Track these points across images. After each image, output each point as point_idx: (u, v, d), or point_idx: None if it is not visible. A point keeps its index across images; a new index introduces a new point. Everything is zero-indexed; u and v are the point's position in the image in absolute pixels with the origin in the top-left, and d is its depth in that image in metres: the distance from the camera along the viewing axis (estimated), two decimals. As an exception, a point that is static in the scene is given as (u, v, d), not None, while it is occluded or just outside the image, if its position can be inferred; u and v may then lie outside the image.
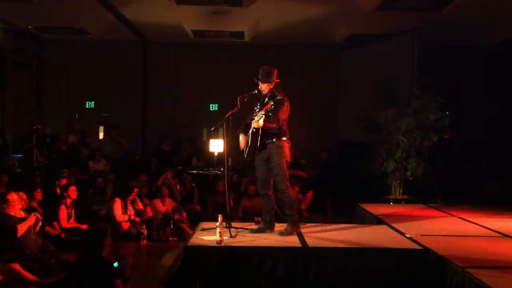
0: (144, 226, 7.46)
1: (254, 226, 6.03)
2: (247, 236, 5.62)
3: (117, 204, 7.57)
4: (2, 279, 4.90)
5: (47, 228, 6.69)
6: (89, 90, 12.64)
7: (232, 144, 5.98)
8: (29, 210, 5.96)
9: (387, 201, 8.87)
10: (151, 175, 9.68)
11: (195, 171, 10.04)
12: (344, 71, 12.13)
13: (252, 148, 5.65)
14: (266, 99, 5.62)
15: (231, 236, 5.47)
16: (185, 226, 7.68)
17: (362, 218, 7.87)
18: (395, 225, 6.38)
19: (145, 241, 7.29)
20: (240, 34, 11.10)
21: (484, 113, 10.94)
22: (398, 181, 9.06)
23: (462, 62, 10.86)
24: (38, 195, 6.71)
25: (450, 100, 9.02)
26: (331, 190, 9.56)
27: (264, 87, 5.63)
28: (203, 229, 5.84)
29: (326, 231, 6.06)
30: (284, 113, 5.56)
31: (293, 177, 9.27)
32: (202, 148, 11.36)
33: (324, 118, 12.28)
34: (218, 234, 5.12)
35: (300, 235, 5.63)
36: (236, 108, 5.63)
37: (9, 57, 12.25)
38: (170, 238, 7.50)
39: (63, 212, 7.05)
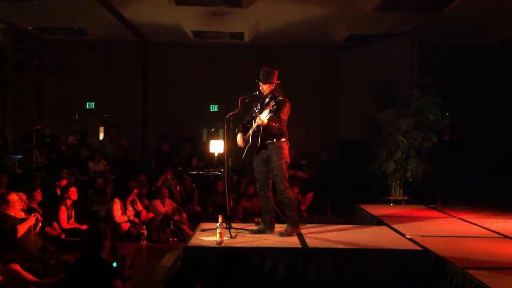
0: (144, 227, 7.46)
1: (254, 227, 6.03)
2: (247, 237, 5.63)
3: (116, 205, 7.57)
4: (2, 280, 4.90)
5: (47, 229, 6.69)
6: (89, 91, 12.64)
7: (232, 145, 5.97)
8: (29, 210, 5.97)
9: (387, 202, 8.87)
10: (151, 175, 9.68)
11: (195, 172, 10.03)
12: (344, 71, 12.13)
13: (252, 148, 5.65)
14: (267, 100, 5.62)
15: (231, 237, 5.47)
16: (185, 226, 7.69)
17: (362, 218, 7.86)
18: (395, 226, 6.38)
19: (145, 241, 7.30)
20: (240, 35, 11.09)
21: (484, 113, 10.94)
22: (398, 182, 9.06)
23: (462, 62, 10.86)
24: (38, 195, 6.71)
25: (450, 100, 9.01)
26: (331, 191, 9.56)
27: (265, 88, 5.64)
28: (203, 230, 5.85)
29: (326, 231, 6.05)
30: (285, 114, 5.57)
31: (293, 177, 9.28)
32: (202, 148, 11.35)
33: (324, 118, 12.28)
34: (218, 235, 5.12)
35: (300, 236, 5.63)
36: (237, 109, 5.64)
37: (9, 57, 12.25)
38: (170, 239, 7.50)
39: (63, 213, 7.06)
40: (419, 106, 8.87)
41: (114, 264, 4.47)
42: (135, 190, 7.82)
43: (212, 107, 12.61)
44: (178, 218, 7.84)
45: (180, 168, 10.32)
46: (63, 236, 6.83)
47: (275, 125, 5.46)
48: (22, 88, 12.59)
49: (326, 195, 9.50)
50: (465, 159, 10.23)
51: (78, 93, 12.64)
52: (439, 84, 9.40)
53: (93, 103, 12.76)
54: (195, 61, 12.30)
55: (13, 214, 5.59)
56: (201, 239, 5.42)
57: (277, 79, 5.65)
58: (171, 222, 7.68)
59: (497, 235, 6.10)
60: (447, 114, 8.88)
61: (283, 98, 5.58)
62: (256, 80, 5.66)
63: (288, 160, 5.69)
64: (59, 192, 7.56)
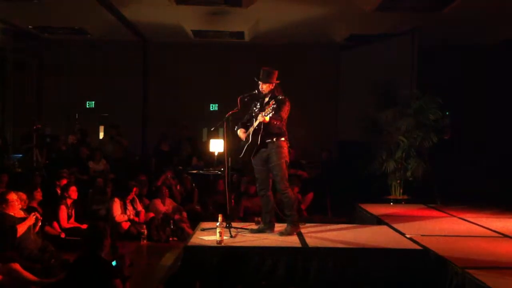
0: (144, 226, 7.46)
1: (254, 226, 6.03)
2: (247, 236, 5.62)
3: (116, 204, 7.57)
4: (2, 279, 4.89)
5: (47, 228, 6.69)
6: (89, 90, 12.65)
7: (232, 144, 5.98)
8: (29, 210, 5.96)
9: (387, 201, 8.87)
10: (151, 175, 9.68)
11: (195, 171, 10.03)
12: (344, 71, 12.13)
13: (251, 146, 5.64)
14: (266, 99, 5.63)
15: (231, 236, 5.47)
16: (185, 226, 7.69)
17: (362, 218, 7.86)
18: (395, 225, 6.39)
19: (145, 241, 7.30)
20: (240, 34, 11.10)
21: (484, 113, 10.94)
22: (398, 181, 9.06)
23: (462, 62, 10.86)
24: (38, 195, 6.71)
25: (450, 100, 9.02)
26: (331, 190, 9.56)
27: (264, 88, 5.64)
28: (203, 229, 5.85)
29: (326, 231, 6.05)
30: (285, 113, 5.58)
31: (293, 176, 9.28)
32: (202, 148, 11.36)
33: (324, 118, 12.28)
34: (218, 234, 5.12)
35: (300, 235, 5.63)
36: (236, 108, 5.64)
37: (9, 57, 12.24)
38: (170, 238, 7.50)
39: (63, 212, 7.05)
40: (419, 105, 8.87)
41: (114, 263, 4.47)
42: (135, 189, 7.82)
43: (212, 106, 12.62)
44: (178, 217, 7.84)
45: (180, 168, 10.33)
46: (63, 236, 6.83)
47: (276, 123, 5.47)
48: (22, 88, 12.60)
49: (326, 194, 9.49)
50: (465, 158, 10.23)
51: (78, 92, 12.64)
52: (439, 84, 9.40)
53: (93, 102, 12.77)
54: (195, 61, 12.30)
55: (12, 214, 5.58)
56: (201, 239, 5.42)
57: (277, 79, 5.66)
58: (171, 221, 7.68)
59: (497, 235, 6.10)
60: (447, 113, 8.88)
61: (283, 97, 5.60)
62: (256, 79, 5.66)
63: (288, 159, 5.70)
64: (59, 191, 7.56)
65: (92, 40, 11.89)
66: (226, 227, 5.51)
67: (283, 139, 5.65)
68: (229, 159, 5.92)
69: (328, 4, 9.15)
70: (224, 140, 6.16)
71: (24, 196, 5.97)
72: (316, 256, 5.01)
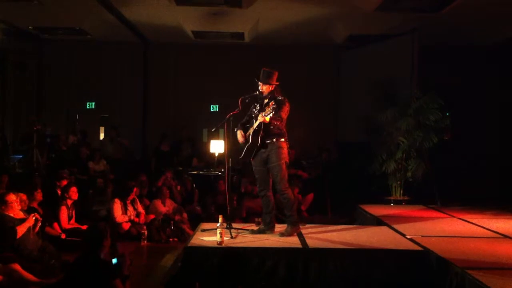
0: (145, 227, 7.46)
1: (254, 227, 6.03)
2: (247, 237, 5.63)
3: (117, 205, 7.56)
4: (2, 280, 4.90)
5: (48, 229, 6.68)
6: (89, 91, 12.65)
7: (232, 144, 5.98)
8: (29, 210, 5.96)
9: (387, 202, 8.88)
10: (151, 175, 9.68)
11: (195, 172, 10.04)
12: (344, 71, 12.12)
13: (251, 147, 5.64)
14: (266, 100, 5.63)
15: (231, 237, 5.47)
16: (186, 226, 7.69)
17: (363, 219, 7.87)
18: (395, 226, 6.39)
19: (145, 241, 7.30)
20: (240, 35, 11.10)
21: (484, 113, 10.94)
22: (398, 182, 9.06)
23: (462, 62, 10.86)
24: (39, 195, 6.70)
25: (450, 101, 9.02)
26: (331, 191, 9.56)
27: (264, 89, 5.65)
28: (204, 230, 5.85)
29: (326, 232, 6.06)
30: (285, 113, 5.59)
31: (294, 177, 9.30)
32: (203, 149, 11.36)
33: (324, 118, 12.28)
34: (218, 235, 5.13)
35: (300, 236, 5.63)
36: (237, 109, 5.64)
37: (9, 57, 12.26)
38: (171, 239, 7.50)
39: (63, 213, 7.06)
40: (419, 106, 8.87)
41: (114, 261, 4.46)
42: (135, 189, 7.82)
43: (212, 107, 12.61)
44: (179, 218, 7.85)
45: (181, 168, 10.33)
46: (63, 236, 6.83)
47: (276, 123, 5.48)
48: (22, 88, 12.59)
49: (326, 195, 9.50)
50: (465, 159, 10.23)
51: (79, 93, 12.64)
52: (439, 84, 9.41)
53: (93, 103, 12.76)
54: (195, 62, 12.30)
55: (12, 215, 5.59)
56: (202, 239, 5.42)
57: (277, 80, 5.66)
58: (172, 222, 7.68)
59: (497, 235, 6.11)
60: (447, 114, 8.88)
61: (283, 98, 5.61)
62: (256, 80, 5.66)
63: (287, 160, 5.70)
64: (59, 192, 7.56)
65: (92, 40, 11.88)
66: (226, 227, 5.51)
67: (283, 139, 5.66)
68: (230, 160, 5.92)
69: (328, 5, 9.15)
70: (224, 141, 6.16)
71: (24, 197, 5.97)
72: (317, 257, 5.01)
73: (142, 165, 10.88)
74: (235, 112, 5.71)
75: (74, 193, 7.18)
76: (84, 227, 7.01)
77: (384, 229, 6.42)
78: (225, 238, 5.19)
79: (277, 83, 5.66)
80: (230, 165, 5.94)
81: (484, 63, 11.02)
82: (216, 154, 9.48)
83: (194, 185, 9.57)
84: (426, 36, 9.80)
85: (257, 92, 5.71)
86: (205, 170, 10.01)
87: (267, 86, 5.63)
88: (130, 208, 7.71)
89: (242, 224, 6.47)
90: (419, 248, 5.20)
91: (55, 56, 12.48)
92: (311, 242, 5.36)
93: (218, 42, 11.70)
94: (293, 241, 5.41)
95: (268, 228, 5.80)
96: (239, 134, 5.81)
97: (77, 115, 12.74)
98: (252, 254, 5.00)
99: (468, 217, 7.33)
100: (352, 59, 11.84)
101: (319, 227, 6.34)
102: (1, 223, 5.45)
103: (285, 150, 5.67)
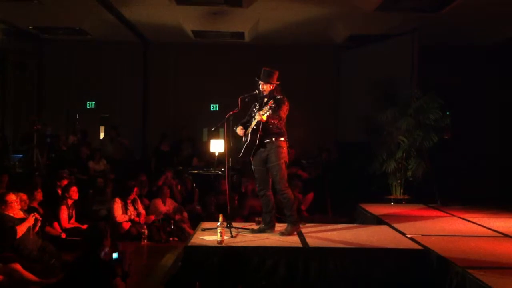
0: (145, 226, 7.46)
1: (255, 226, 6.03)
2: (247, 236, 5.62)
3: (117, 205, 7.56)
4: (3, 279, 4.89)
5: (48, 229, 6.68)
6: (89, 91, 12.65)
7: (232, 144, 5.98)
8: (29, 210, 5.97)
9: (387, 201, 8.87)
10: (151, 175, 9.68)
11: (195, 171, 10.05)
12: (344, 71, 12.13)
13: (250, 146, 5.63)
14: (266, 99, 5.63)
15: (231, 236, 5.47)
16: (186, 226, 7.69)
17: (363, 218, 7.87)
18: (395, 225, 6.39)
19: (145, 241, 7.30)
20: (240, 35, 11.10)
21: (484, 113, 10.94)
22: (398, 181, 9.06)
23: (462, 62, 10.86)
24: (39, 195, 6.71)
25: (450, 101, 9.03)
26: (331, 190, 9.56)
27: (265, 88, 5.65)
28: (204, 229, 5.85)
29: (326, 231, 6.06)
30: (284, 112, 5.59)
31: (294, 176, 9.30)
32: (203, 148, 11.37)
33: (324, 118, 12.28)
34: (219, 234, 5.13)
35: (300, 235, 5.63)
36: (237, 108, 5.64)
37: (9, 57, 12.26)
38: (171, 238, 7.50)
39: (64, 213, 7.06)
40: (420, 105, 8.87)
41: (115, 255, 4.46)
42: (136, 189, 7.81)
43: (212, 106, 12.62)
44: (179, 217, 7.84)
45: (181, 168, 10.34)
46: (63, 236, 6.83)
47: (274, 122, 5.47)
48: (22, 88, 12.60)
49: (326, 194, 9.50)
50: (465, 159, 10.23)
51: (79, 93, 12.65)
52: (439, 84, 9.41)
53: (94, 102, 12.77)
54: (195, 61, 12.30)
55: (12, 214, 5.59)
56: (202, 239, 5.42)
57: (278, 80, 5.66)
58: (172, 221, 7.68)
59: (497, 234, 6.10)
60: (447, 113, 8.88)
61: (282, 97, 5.61)
62: (257, 79, 5.66)
63: (287, 159, 5.70)
64: (60, 191, 7.56)
65: (92, 40, 11.88)
66: (226, 227, 5.51)
67: (282, 139, 5.65)
68: (230, 159, 5.92)
69: (328, 4, 9.15)
70: (224, 140, 6.15)
71: (24, 197, 5.98)
72: (317, 256, 5.01)
73: (142, 165, 10.88)
74: (234, 112, 5.71)
75: (74, 192, 7.19)
76: (84, 226, 7.02)
77: (384, 228, 6.42)
78: (225, 238, 5.19)
79: (278, 82, 5.66)
80: (230, 165, 5.94)
81: (484, 63, 11.02)
82: (216, 154, 9.48)
83: (194, 185, 9.57)
84: (426, 36, 9.80)
85: (257, 92, 5.71)
86: (205, 169, 10.02)
87: (268, 85, 5.63)
88: (130, 207, 7.71)
89: (243, 224, 6.47)
90: (419, 247, 5.20)
91: (55, 56, 12.48)
92: (311, 241, 5.36)
93: (218, 41, 11.71)
94: (293, 240, 5.41)
95: (268, 228, 5.80)
96: (239, 129, 5.79)
97: (77, 115, 12.74)
98: (252, 253, 5.00)
99: (468, 216, 7.33)
100: (352, 59, 11.85)
101: (319, 226, 6.34)
102: (1, 222, 5.45)
103: (285, 150, 5.66)
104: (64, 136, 11.51)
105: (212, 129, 6.83)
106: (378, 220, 7.03)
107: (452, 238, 5.84)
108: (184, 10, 9.47)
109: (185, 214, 8.06)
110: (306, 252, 5.07)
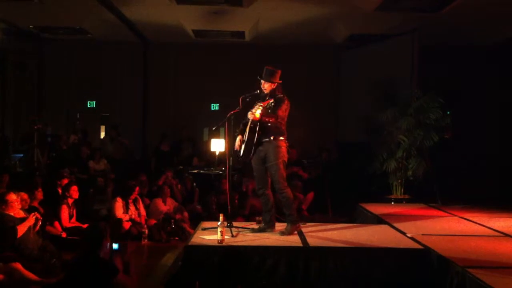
0: (145, 226, 7.47)
1: (255, 226, 6.03)
2: (248, 236, 5.62)
3: (118, 204, 7.57)
4: (3, 279, 4.89)
5: (48, 228, 6.69)
6: (89, 90, 12.66)
7: (233, 144, 5.98)
8: (30, 210, 5.97)
9: (388, 201, 8.87)
10: (151, 175, 9.69)
11: (195, 171, 10.05)
12: (344, 71, 12.13)
13: (248, 144, 5.62)
14: (267, 98, 5.62)
15: (232, 236, 5.47)
16: (186, 225, 7.69)
17: (363, 217, 7.87)
18: (396, 225, 6.39)
19: (146, 240, 7.30)
20: (241, 34, 11.11)
21: (484, 113, 10.95)
22: (399, 180, 9.06)
23: (462, 62, 10.87)
24: (39, 194, 6.71)
25: (450, 101, 9.03)
26: (331, 191, 9.57)
27: (266, 87, 5.65)
28: (204, 229, 5.85)
29: (327, 230, 6.05)
30: (283, 111, 5.56)
31: (294, 176, 9.31)
32: (203, 148, 11.37)
33: (324, 118, 12.29)
34: (219, 234, 5.13)
35: (301, 235, 5.63)
36: (238, 108, 5.63)
37: (9, 57, 12.27)
38: (171, 238, 7.50)
39: (64, 212, 7.06)
40: (420, 105, 8.87)
41: (116, 246, 4.46)
42: (137, 188, 7.81)
43: (213, 106, 12.62)
44: (180, 217, 7.85)
45: (181, 167, 10.34)
46: (64, 235, 6.83)
47: (269, 120, 5.46)
48: (22, 87, 12.60)
49: (327, 194, 9.51)
50: (465, 158, 10.24)
51: (79, 92, 12.66)
52: (439, 84, 9.42)
53: (94, 102, 12.77)
54: (195, 61, 12.30)
55: (12, 214, 5.59)
56: (202, 238, 5.42)
57: (280, 80, 5.66)
58: (172, 221, 7.68)
59: (498, 234, 6.10)
60: (448, 112, 8.88)
61: (282, 96, 5.60)
62: (259, 77, 5.67)
63: (286, 159, 5.69)
64: (60, 191, 7.57)
65: (92, 40, 11.89)
66: (227, 226, 5.51)
67: (282, 138, 5.64)
68: (230, 158, 5.92)
69: (329, 4, 9.16)
70: (225, 140, 6.16)
71: (25, 196, 5.98)
72: (317, 255, 5.01)
73: (142, 165, 10.88)
74: (235, 111, 5.70)
75: (74, 192, 7.19)
76: (85, 226, 7.02)
77: (385, 227, 6.42)
78: (225, 237, 5.19)
79: (280, 81, 5.65)
80: (231, 164, 5.94)
81: (484, 63, 11.03)
82: (217, 153, 9.49)
83: (195, 184, 9.58)
84: (426, 36, 9.80)
85: (258, 91, 5.71)
86: (205, 169, 10.02)
87: (269, 84, 5.63)
88: (132, 207, 7.71)
89: (243, 223, 6.47)
90: (420, 247, 5.20)
91: (55, 56, 12.48)
92: (312, 241, 5.36)
93: (218, 41, 11.71)
94: (293, 240, 5.41)
95: (268, 227, 5.79)
96: (237, 140, 5.79)
97: (78, 114, 12.74)
98: (252, 253, 5.00)
99: (468, 215, 7.33)
100: (352, 59, 11.85)
101: (320, 226, 6.34)
102: (1, 222, 5.45)
103: (284, 149, 5.65)
104: (65, 136, 11.50)
105: (213, 129, 6.83)
106: (379, 220, 7.03)
107: (452, 237, 5.83)
108: (185, 10, 9.47)
109: (186, 214, 8.06)
110: (306, 251, 5.07)
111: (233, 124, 5.72)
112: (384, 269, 4.95)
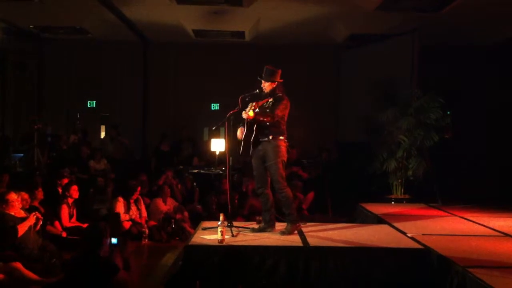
0: (146, 226, 7.46)
1: (255, 225, 6.03)
2: (248, 235, 5.62)
3: (120, 204, 7.57)
4: (3, 278, 4.89)
5: (49, 227, 6.69)
6: (90, 90, 12.65)
7: (233, 143, 5.98)
8: (30, 209, 5.97)
9: (388, 201, 8.87)
10: (151, 175, 9.69)
11: (196, 170, 10.05)
12: (344, 71, 12.13)
13: (246, 143, 5.62)
14: (267, 97, 5.63)
15: (232, 235, 5.47)
16: (186, 225, 7.69)
17: (363, 217, 7.86)
18: (396, 225, 6.39)
19: (146, 240, 7.30)
20: (241, 34, 11.11)
21: (484, 113, 10.95)
22: (399, 180, 9.06)
23: (462, 62, 10.87)
24: (40, 194, 6.72)
25: (450, 101, 9.03)
26: (332, 191, 9.57)
27: (266, 86, 5.65)
28: (205, 229, 5.85)
29: (327, 230, 6.05)
30: (281, 111, 5.55)
31: (295, 176, 9.31)
32: (203, 147, 11.37)
33: (324, 118, 12.28)
34: (219, 233, 5.13)
35: (301, 235, 5.63)
36: (238, 107, 5.63)
37: (9, 57, 12.26)
38: (171, 238, 7.50)
39: (64, 211, 7.07)
40: (420, 105, 8.87)
41: (114, 240, 4.46)
42: (139, 188, 7.81)
43: (213, 106, 12.62)
44: (180, 217, 7.84)
45: (182, 167, 10.34)
46: (64, 235, 6.84)
47: (264, 119, 5.46)
48: (23, 88, 12.59)
49: (327, 194, 9.51)
50: (465, 158, 10.24)
51: (79, 92, 12.65)
52: (439, 84, 9.42)
53: (94, 102, 12.77)
54: (195, 61, 12.30)
55: (13, 213, 5.59)
56: (203, 238, 5.42)
57: (280, 79, 5.65)
58: (172, 220, 7.68)
59: (498, 234, 6.10)
60: (448, 112, 8.88)
61: (281, 95, 5.59)
62: (259, 78, 5.67)
63: (285, 158, 5.68)
64: (60, 190, 7.57)
65: (92, 40, 11.88)
66: (227, 226, 5.51)
67: (281, 138, 5.64)
68: (230, 158, 5.92)
69: (329, 4, 9.16)
70: (225, 139, 6.16)
71: (26, 196, 5.98)
72: (317, 255, 5.00)
73: (142, 165, 10.88)
74: (235, 111, 5.70)
75: (75, 191, 7.20)
76: (85, 225, 7.02)
77: (385, 227, 6.42)
78: (226, 237, 5.19)
79: (281, 80, 5.65)
80: (231, 164, 5.94)
81: (484, 63, 11.02)
82: (217, 153, 9.49)
83: (195, 184, 9.58)
84: (426, 36, 9.80)
85: (258, 91, 5.71)
86: (206, 168, 10.02)
87: (269, 83, 5.63)
88: (133, 207, 7.71)
89: (243, 223, 6.47)
90: (420, 247, 5.20)
91: (55, 56, 12.48)
92: (312, 241, 5.36)
93: (218, 41, 11.71)
94: (294, 240, 5.41)
95: (268, 226, 5.79)
96: (239, 130, 5.80)
97: (78, 114, 12.74)
98: (252, 253, 5.00)
99: (469, 215, 7.32)
100: (352, 59, 11.85)
101: (320, 226, 6.33)
102: (2, 222, 5.45)
103: (283, 149, 5.64)
104: (65, 136, 11.50)
105: (213, 128, 6.83)
106: (379, 220, 7.02)
107: (452, 237, 5.84)
108: (185, 9, 9.47)
109: (186, 214, 8.06)
110: (306, 251, 5.07)
111: (232, 124, 5.72)
112: (384, 269, 4.94)
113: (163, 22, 10.60)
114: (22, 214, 5.70)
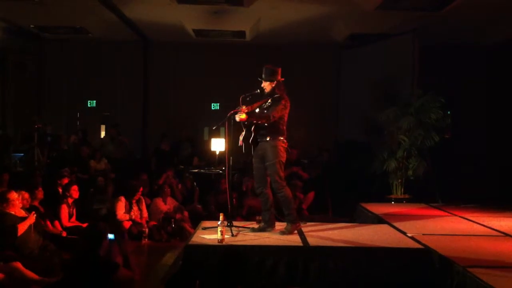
0: (146, 225, 7.46)
1: (255, 225, 6.03)
2: (248, 235, 5.62)
3: (121, 203, 7.56)
4: (4, 278, 4.89)
5: (49, 227, 6.68)
6: (90, 90, 12.65)
7: (233, 143, 5.98)
8: (30, 209, 5.97)
9: (388, 201, 8.87)
10: (151, 175, 9.69)
11: (196, 170, 10.05)
12: (344, 71, 12.13)
13: (246, 143, 5.63)
14: (268, 97, 5.63)
15: (232, 235, 5.47)
16: (186, 225, 7.69)
17: (363, 217, 7.86)
18: (396, 224, 6.38)
19: (146, 240, 7.30)
20: (241, 34, 11.11)
21: (484, 113, 10.94)
22: (399, 180, 9.06)
23: (462, 62, 10.87)
24: (40, 194, 6.71)
25: (450, 100, 9.03)
26: (332, 191, 9.56)
27: (266, 86, 5.65)
28: (204, 228, 5.85)
29: (327, 230, 6.05)
30: (279, 112, 5.54)
31: (295, 176, 9.31)
32: (203, 147, 11.37)
33: (324, 118, 12.28)
34: (219, 233, 5.13)
35: (301, 234, 5.63)
36: (238, 107, 5.63)
37: (9, 57, 12.25)
38: (171, 238, 7.49)
39: (64, 211, 7.07)
40: (420, 105, 8.87)
41: (112, 236, 4.46)
42: (141, 189, 7.81)
43: (213, 105, 12.62)
44: (180, 216, 7.84)
45: (182, 167, 10.34)
46: (64, 234, 6.83)
47: (259, 121, 5.47)
48: (23, 88, 12.59)
49: (327, 194, 9.50)
50: (466, 157, 10.23)
51: (79, 92, 12.65)
52: (439, 84, 9.42)
53: (94, 101, 12.76)
54: (196, 60, 12.29)
55: (13, 213, 5.59)
56: (202, 237, 5.42)
57: (280, 77, 5.65)
58: (172, 220, 7.68)
59: (499, 234, 6.10)
60: (448, 112, 8.88)
61: (280, 95, 5.58)
62: (259, 78, 5.67)
63: (283, 159, 5.67)
64: (60, 190, 7.57)
65: (93, 39, 11.88)
66: (227, 226, 5.51)
67: (280, 138, 5.64)
68: (231, 158, 5.92)
69: (329, 3, 9.15)
70: (225, 139, 6.16)
71: (26, 195, 5.99)
72: (317, 255, 5.00)
73: (142, 165, 10.88)
74: (235, 111, 5.70)
75: (75, 191, 7.20)
76: (85, 225, 7.02)
77: (385, 227, 6.42)
78: (226, 236, 5.19)
79: (281, 79, 5.64)
80: (231, 164, 5.94)
81: (484, 63, 11.02)
82: (217, 153, 9.49)
83: (195, 184, 9.58)
84: (426, 36, 9.80)
85: (258, 90, 5.71)
86: (206, 168, 10.02)
87: (269, 83, 5.63)
88: (135, 207, 7.71)
89: (243, 222, 6.47)
90: (420, 247, 5.20)
91: (55, 55, 12.47)
92: (312, 241, 5.36)
93: (219, 40, 11.71)
94: (293, 239, 5.41)
95: (268, 226, 5.79)
96: (241, 136, 5.80)
97: (78, 114, 12.74)
98: (252, 252, 5.00)
99: (469, 215, 7.32)
100: (352, 59, 11.85)
101: (320, 225, 6.33)
102: (2, 221, 5.45)
103: (281, 149, 5.64)
104: (65, 136, 11.50)
105: (213, 128, 6.83)
106: (379, 219, 7.02)
107: (453, 237, 5.84)
108: (185, 9, 9.47)
109: (186, 213, 8.06)
110: (306, 251, 5.07)
111: (233, 124, 5.72)
112: (384, 269, 4.94)
113: (163, 22, 10.60)
114: (22, 213, 5.70)
